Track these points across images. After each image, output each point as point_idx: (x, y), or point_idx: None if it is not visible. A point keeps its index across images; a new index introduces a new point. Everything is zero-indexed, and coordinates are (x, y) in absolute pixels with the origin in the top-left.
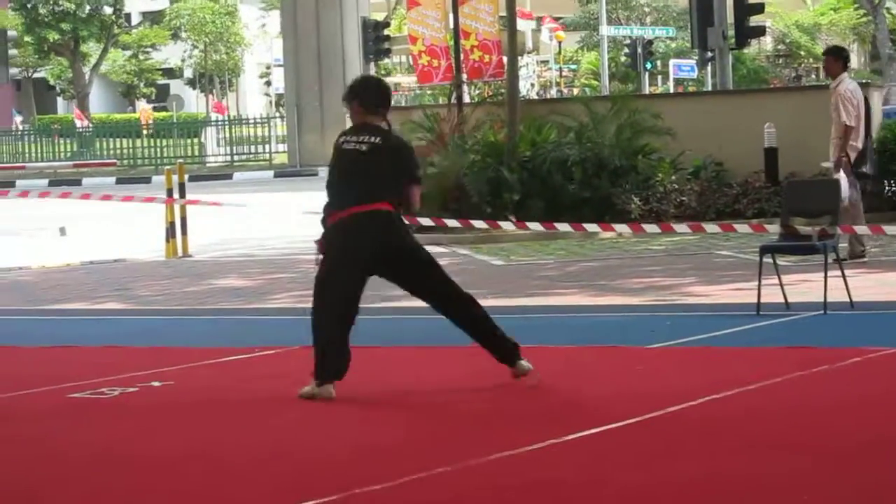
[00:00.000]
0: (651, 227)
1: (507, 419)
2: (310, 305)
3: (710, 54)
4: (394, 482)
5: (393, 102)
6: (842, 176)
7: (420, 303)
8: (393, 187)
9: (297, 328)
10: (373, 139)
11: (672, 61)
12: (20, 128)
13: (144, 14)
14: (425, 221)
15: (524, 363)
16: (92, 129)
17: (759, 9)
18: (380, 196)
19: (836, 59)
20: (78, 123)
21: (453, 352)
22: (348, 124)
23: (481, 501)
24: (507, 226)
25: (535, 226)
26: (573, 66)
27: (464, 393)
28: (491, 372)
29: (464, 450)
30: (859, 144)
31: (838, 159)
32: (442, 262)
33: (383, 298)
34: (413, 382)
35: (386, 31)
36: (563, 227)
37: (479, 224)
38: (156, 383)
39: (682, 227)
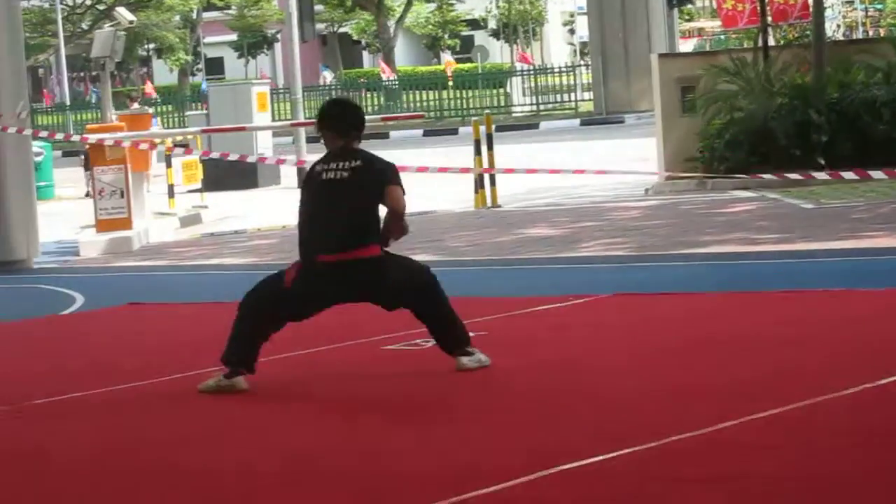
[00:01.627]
0: None
1: (818, 364)
2: (615, 253)
3: None
4: (712, 427)
5: (697, 47)
6: None
7: (723, 249)
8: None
9: (607, 276)
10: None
11: None
12: (329, 83)
13: None
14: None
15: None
16: (398, 83)
17: None
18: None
19: None
20: (383, 77)
21: (758, 298)
22: (653, 71)
23: (800, 444)
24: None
25: (847, 174)
26: (879, 6)
27: (769, 337)
28: (799, 319)
29: (779, 395)
30: None
31: None
32: (751, 206)
33: (684, 245)
34: (722, 328)
35: None
36: (876, 173)
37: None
38: (471, 333)
39: None
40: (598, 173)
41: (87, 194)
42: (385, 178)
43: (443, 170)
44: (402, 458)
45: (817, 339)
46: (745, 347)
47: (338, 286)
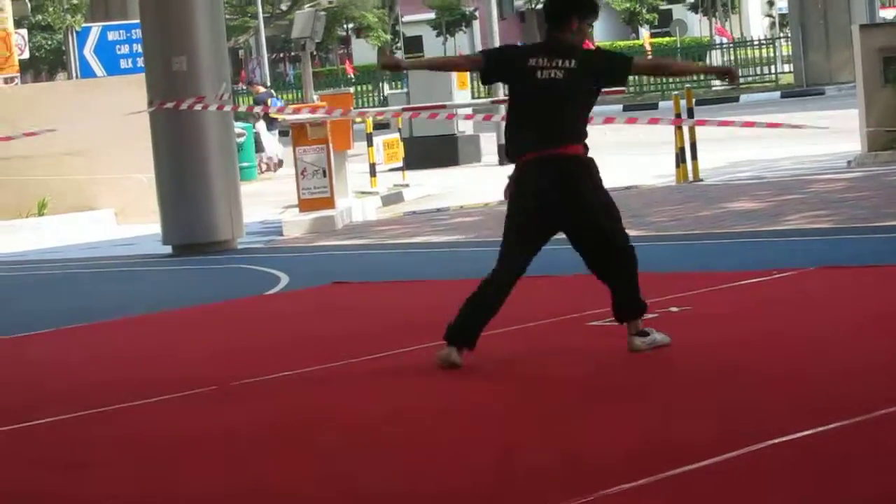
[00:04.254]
0: None
1: None
2: (819, 226)
3: None
4: None
5: None
6: None
7: None
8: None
9: (812, 248)
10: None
11: None
12: None
13: None
14: None
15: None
16: None
17: None
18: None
19: None
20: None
21: None
22: (854, 42)
23: None
24: None
25: None
26: None
27: None
28: None
29: None
30: None
31: None
32: None
33: (891, 217)
34: None
35: None
36: None
37: None
38: (674, 308)
39: None
40: (794, 127)
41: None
42: (609, 76)
43: (630, 121)
44: (600, 436)
45: None
46: None
47: (540, 182)
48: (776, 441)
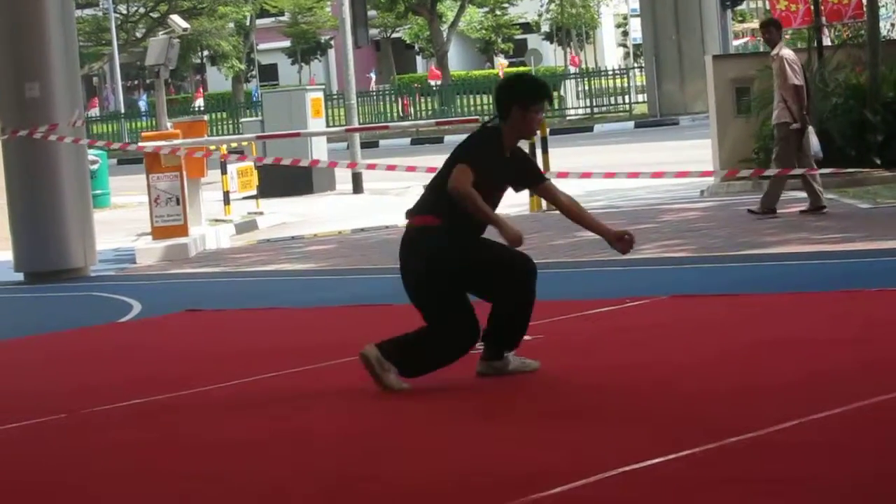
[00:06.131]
0: None
1: (877, 364)
2: (673, 255)
3: None
4: (771, 428)
5: (750, 48)
6: (811, 131)
7: (784, 249)
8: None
9: (663, 277)
10: None
11: None
12: (374, 88)
13: None
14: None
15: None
16: (451, 87)
17: None
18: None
19: (776, 29)
20: (432, 82)
21: (817, 298)
22: (707, 73)
23: (856, 444)
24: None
25: None
26: None
27: (827, 337)
28: (859, 319)
29: (837, 395)
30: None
31: (802, 117)
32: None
33: (745, 246)
34: (779, 329)
35: None
36: None
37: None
38: (526, 337)
39: None
40: (655, 176)
41: None
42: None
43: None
44: (465, 459)
45: (875, 339)
46: (803, 348)
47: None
48: (629, 468)
